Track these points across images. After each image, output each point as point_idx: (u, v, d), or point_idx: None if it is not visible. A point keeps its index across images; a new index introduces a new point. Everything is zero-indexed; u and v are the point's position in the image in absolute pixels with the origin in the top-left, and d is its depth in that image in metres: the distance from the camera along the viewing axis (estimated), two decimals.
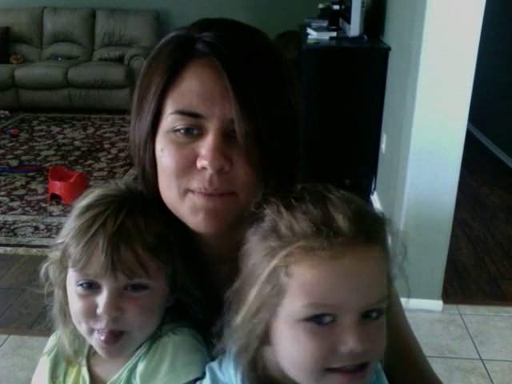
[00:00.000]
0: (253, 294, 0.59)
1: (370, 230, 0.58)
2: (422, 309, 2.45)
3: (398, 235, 0.63)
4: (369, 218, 0.59)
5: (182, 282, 0.73)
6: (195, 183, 0.67)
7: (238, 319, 0.61)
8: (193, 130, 0.67)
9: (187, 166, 0.68)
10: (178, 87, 0.67)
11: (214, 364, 0.67)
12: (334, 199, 0.58)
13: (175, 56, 0.68)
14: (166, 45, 0.71)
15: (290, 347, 0.58)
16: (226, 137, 0.67)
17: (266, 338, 0.60)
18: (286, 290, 0.57)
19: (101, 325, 0.68)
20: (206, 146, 0.66)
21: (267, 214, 0.60)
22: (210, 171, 0.66)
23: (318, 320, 0.56)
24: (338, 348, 0.55)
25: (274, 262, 0.57)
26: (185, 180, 0.68)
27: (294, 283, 0.56)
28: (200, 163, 0.66)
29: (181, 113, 0.67)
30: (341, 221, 0.56)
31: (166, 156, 0.69)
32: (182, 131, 0.67)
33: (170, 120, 0.68)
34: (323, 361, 0.56)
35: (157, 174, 0.72)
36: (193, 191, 0.68)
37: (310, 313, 0.56)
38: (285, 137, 0.70)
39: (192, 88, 0.66)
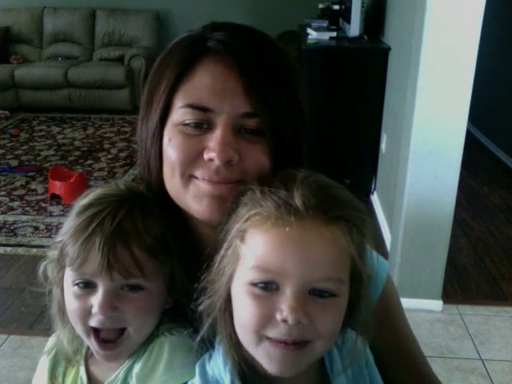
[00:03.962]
0: (219, 256, 0.64)
1: (330, 211, 0.59)
2: (422, 309, 2.45)
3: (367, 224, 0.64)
4: (330, 200, 0.60)
5: (180, 282, 0.73)
6: (200, 171, 0.68)
7: (207, 279, 0.65)
8: (202, 125, 0.68)
9: (193, 157, 0.68)
10: (189, 82, 0.69)
11: (204, 359, 0.68)
12: (299, 180, 0.61)
13: (188, 52, 0.70)
14: (177, 44, 0.73)
15: (237, 310, 0.62)
16: (235, 132, 0.68)
17: (227, 305, 0.63)
18: (239, 256, 0.61)
19: (96, 323, 0.68)
20: (214, 139, 0.67)
21: (244, 198, 0.63)
22: (216, 163, 0.66)
23: (264, 286, 0.59)
24: (275, 316, 0.58)
25: (237, 226, 0.62)
26: (190, 167, 0.68)
27: (246, 247, 0.60)
28: (208, 155, 0.67)
29: (191, 107, 0.68)
30: (299, 198, 0.59)
31: (172, 146, 0.69)
32: (191, 125, 0.68)
33: (180, 113, 0.69)
34: (259, 326, 0.59)
35: (162, 168, 0.72)
36: (197, 177, 0.68)
37: (255, 277, 0.59)
38: (294, 131, 0.71)
39: (204, 83, 0.68)
